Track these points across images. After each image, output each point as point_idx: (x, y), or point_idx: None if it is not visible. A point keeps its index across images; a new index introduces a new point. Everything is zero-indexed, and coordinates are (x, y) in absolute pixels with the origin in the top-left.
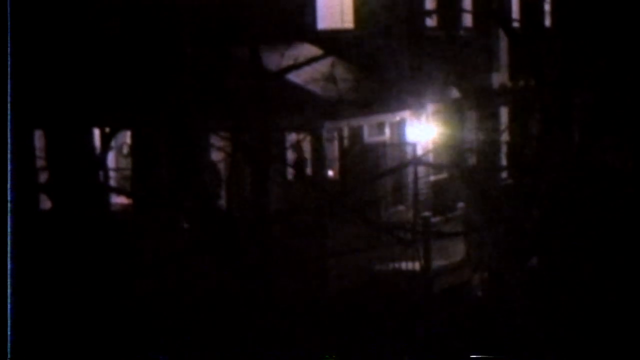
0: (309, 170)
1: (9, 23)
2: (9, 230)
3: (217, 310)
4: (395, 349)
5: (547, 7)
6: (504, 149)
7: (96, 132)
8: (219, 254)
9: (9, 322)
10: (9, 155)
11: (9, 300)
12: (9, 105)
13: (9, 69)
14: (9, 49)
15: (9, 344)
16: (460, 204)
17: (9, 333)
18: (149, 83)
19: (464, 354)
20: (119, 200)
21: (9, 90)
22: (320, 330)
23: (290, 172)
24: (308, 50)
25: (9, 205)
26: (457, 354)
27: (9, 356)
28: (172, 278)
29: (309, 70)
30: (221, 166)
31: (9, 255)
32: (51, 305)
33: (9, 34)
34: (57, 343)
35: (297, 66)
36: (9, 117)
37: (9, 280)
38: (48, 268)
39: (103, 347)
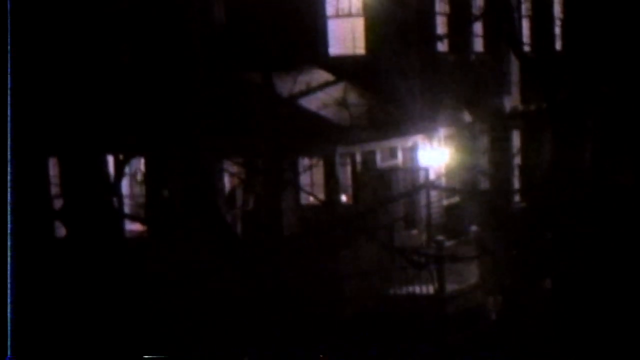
0: (321, 195)
1: (9, 47)
2: (9, 232)
3: (231, 333)
4: None
5: (557, 30)
6: (516, 171)
7: (110, 159)
8: (234, 277)
9: (9, 322)
10: (8, 156)
11: (9, 301)
12: (9, 119)
13: (9, 89)
14: (9, 75)
15: (9, 344)
16: (473, 227)
17: (9, 333)
18: (162, 109)
19: None
20: (133, 226)
21: (9, 115)
22: (334, 353)
23: (304, 197)
24: (320, 75)
25: (8, 207)
26: None
27: (8, 355)
28: (187, 301)
29: (321, 95)
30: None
31: (9, 257)
32: (63, 328)
33: (9, 59)
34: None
35: (309, 91)
36: (9, 125)
37: (9, 282)
38: (61, 293)
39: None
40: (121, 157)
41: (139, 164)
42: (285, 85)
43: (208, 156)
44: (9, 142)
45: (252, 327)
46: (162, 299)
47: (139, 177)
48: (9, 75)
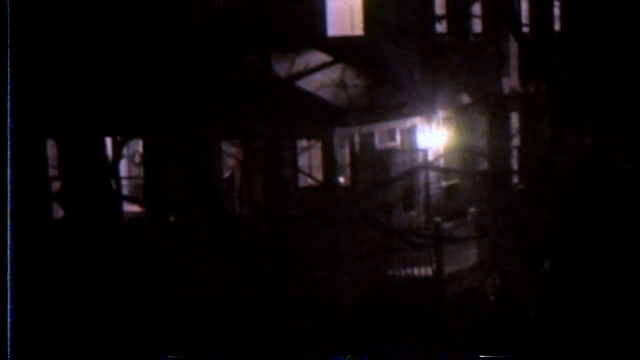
0: (320, 177)
1: (9, 31)
2: (9, 231)
3: (228, 315)
4: (409, 354)
5: (557, 11)
6: (515, 154)
7: (108, 141)
8: (231, 259)
9: (9, 322)
10: (9, 158)
11: (9, 301)
12: (9, 111)
13: (9, 78)
14: (9, 58)
15: (9, 344)
16: (472, 209)
17: (9, 333)
18: (161, 91)
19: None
20: (131, 208)
21: (9, 98)
22: (332, 335)
23: (302, 179)
24: (318, 57)
25: (9, 206)
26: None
27: (9, 356)
28: (184, 284)
29: (319, 77)
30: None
31: (9, 256)
32: (62, 310)
33: (9, 42)
34: (63, 345)
35: (307, 73)
36: (9, 123)
37: (9, 281)
38: (59, 275)
39: (104, 348)
40: (119, 139)
41: (138, 146)
42: (284, 67)
43: (207, 138)
44: (8, 126)
45: (251, 311)
46: (161, 281)
47: (138, 159)
48: (8, 60)
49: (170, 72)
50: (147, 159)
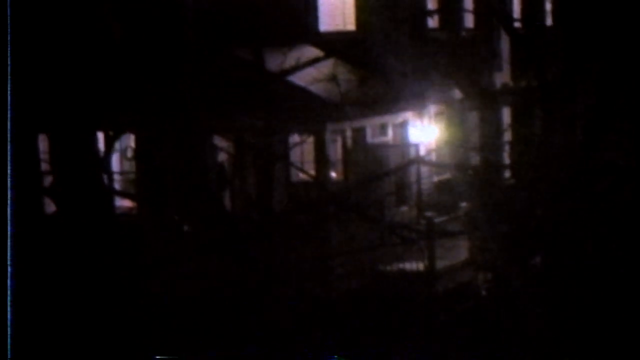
0: (312, 171)
1: (8, 26)
2: (9, 230)
3: (220, 311)
4: (399, 349)
5: (548, 6)
6: (506, 148)
7: (100, 136)
8: (223, 254)
9: (9, 322)
10: (9, 157)
11: (9, 300)
12: (9, 107)
13: (9, 73)
14: (9, 52)
15: (9, 344)
16: (464, 204)
17: (9, 333)
18: (153, 85)
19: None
20: (123, 203)
21: (8, 93)
22: (323, 330)
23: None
24: (310, 51)
25: (9, 205)
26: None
27: (9, 356)
28: (176, 280)
29: (311, 71)
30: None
31: (9, 255)
32: (53, 306)
33: (8, 36)
34: (57, 343)
35: (299, 67)
36: (9, 119)
37: (9, 281)
38: (51, 270)
39: (103, 347)
40: (111, 133)
41: (129, 141)
42: (276, 62)
43: (198, 132)
44: (9, 124)
45: (244, 305)
46: (153, 276)
47: (129, 153)
48: (8, 58)
49: (162, 66)
50: (139, 153)
